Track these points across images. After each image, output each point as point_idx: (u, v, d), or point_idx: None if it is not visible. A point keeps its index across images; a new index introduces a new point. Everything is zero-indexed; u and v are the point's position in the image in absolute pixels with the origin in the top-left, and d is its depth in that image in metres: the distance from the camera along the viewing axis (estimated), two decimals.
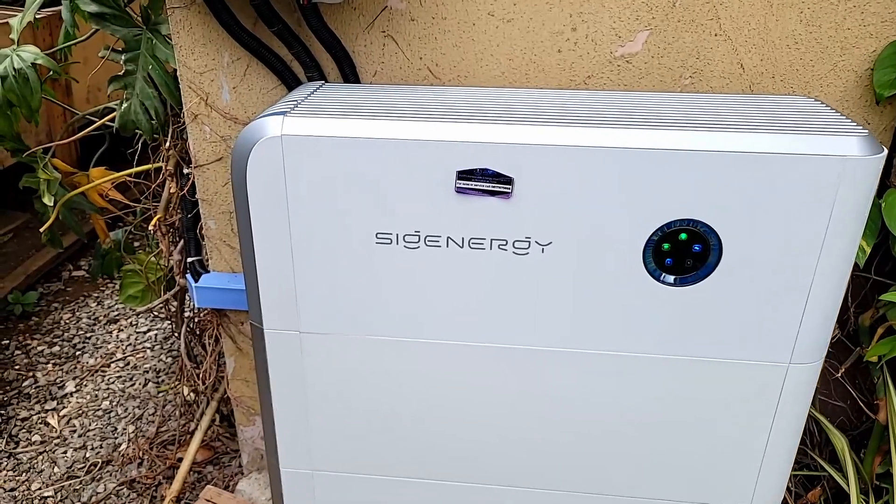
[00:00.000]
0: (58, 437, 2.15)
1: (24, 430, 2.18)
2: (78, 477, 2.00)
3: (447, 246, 1.08)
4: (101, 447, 2.10)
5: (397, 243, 1.09)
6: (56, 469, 2.03)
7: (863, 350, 1.46)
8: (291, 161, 1.05)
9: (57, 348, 2.59)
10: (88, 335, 2.67)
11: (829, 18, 1.22)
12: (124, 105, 1.53)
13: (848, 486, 1.48)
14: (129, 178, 1.90)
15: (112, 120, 1.86)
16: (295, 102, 1.13)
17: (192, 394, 2.08)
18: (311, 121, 1.05)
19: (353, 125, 1.04)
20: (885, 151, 0.99)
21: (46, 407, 2.28)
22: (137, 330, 2.68)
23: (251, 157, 1.05)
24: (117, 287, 2.95)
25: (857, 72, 1.26)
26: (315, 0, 1.22)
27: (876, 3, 1.20)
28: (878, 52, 1.24)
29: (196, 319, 1.89)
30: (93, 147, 2.22)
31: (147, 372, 2.44)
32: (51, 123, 3.22)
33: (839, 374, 1.51)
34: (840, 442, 1.52)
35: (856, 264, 1.20)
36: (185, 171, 1.56)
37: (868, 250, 1.29)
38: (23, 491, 1.95)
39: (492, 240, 1.07)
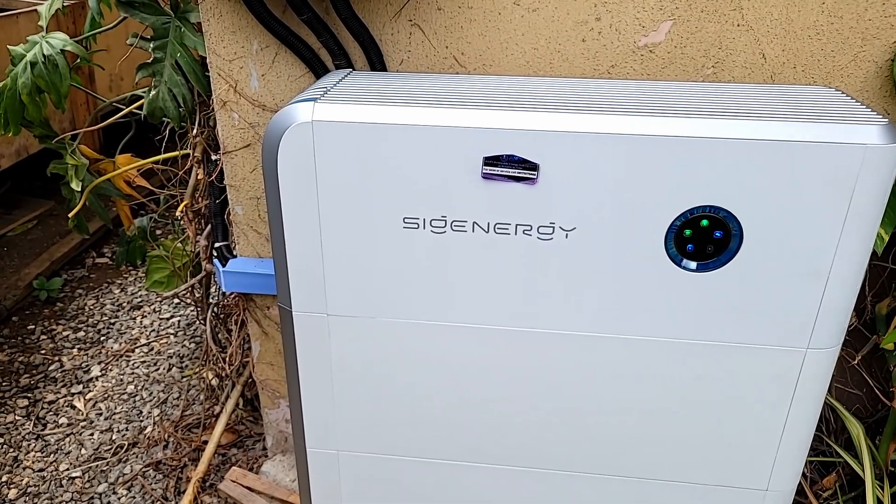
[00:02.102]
0: (84, 420, 2.20)
1: (51, 413, 2.23)
2: (105, 458, 2.05)
3: (473, 231, 1.10)
4: (127, 430, 2.15)
5: (424, 228, 1.11)
6: (83, 450, 2.08)
7: (879, 338, 1.47)
8: (321, 146, 1.08)
9: (82, 333, 2.64)
10: (112, 321, 2.72)
11: (850, 9, 1.23)
12: (152, 92, 1.57)
13: (863, 472, 1.50)
14: (154, 165, 1.94)
15: (139, 107, 1.89)
16: (324, 89, 1.15)
17: (216, 378, 2.12)
18: (341, 107, 1.08)
19: (382, 112, 1.06)
20: None
21: (73, 390, 2.34)
22: (161, 316, 2.73)
23: (282, 143, 1.08)
24: (140, 274, 3.00)
25: (877, 62, 1.27)
26: None
27: None
28: None
29: (221, 304, 1.92)
30: (116, 134, 2.26)
31: (171, 357, 2.48)
32: (74, 111, 3.27)
33: (855, 362, 1.53)
34: (856, 429, 1.53)
35: (874, 253, 1.22)
36: (213, 157, 1.60)
37: (886, 238, 1.30)
38: (51, 471, 2.00)
39: (517, 225, 1.09)
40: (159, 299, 2.84)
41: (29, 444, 2.10)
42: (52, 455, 2.06)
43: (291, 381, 1.29)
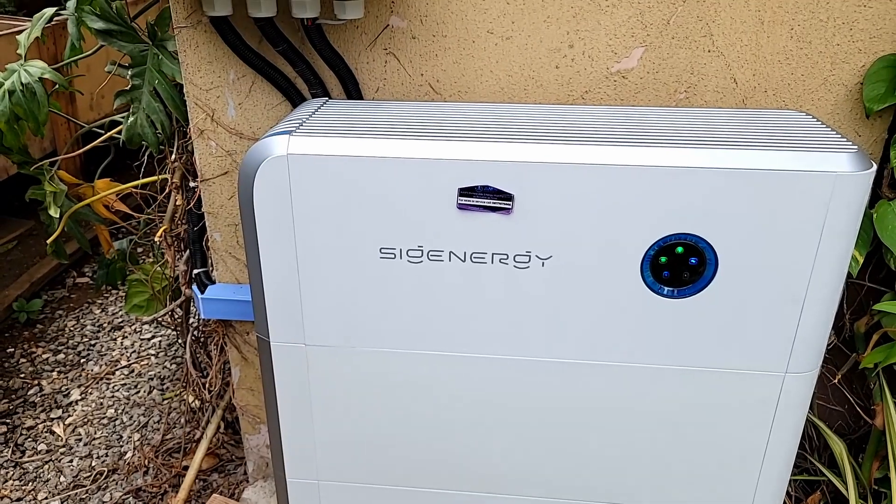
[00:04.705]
0: (63, 446, 2.18)
1: (29, 439, 2.20)
2: (84, 486, 2.02)
3: (450, 260, 1.10)
4: (107, 455, 2.13)
5: (401, 258, 1.11)
6: (62, 478, 2.05)
7: (859, 356, 1.48)
8: (297, 179, 1.08)
9: (62, 356, 2.62)
10: (93, 342, 2.69)
11: (818, 35, 1.25)
12: (131, 119, 1.56)
13: (847, 490, 1.50)
14: (133, 190, 1.93)
15: (118, 132, 1.88)
16: (300, 121, 1.15)
17: (197, 401, 2.10)
18: (317, 140, 1.08)
19: (357, 144, 1.06)
20: (875, 167, 1.01)
21: (52, 415, 2.31)
22: (142, 337, 2.71)
23: (258, 176, 1.08)
24: (122, 294, 2.97)
25: (847, 86, 1.29)
26: (319, 21, 1.25)
27: (864, 20, 1.23)
28: (866, 67, 1.27)
29: (201, 329, 1.91)
30: (96, 156, 2.24)
31: (152, 379, 2.46)
32: (55, 131, 3.25)
33: (836, 380, 1.54)
34: (838, 447, 1.54)
35: (850, 272, 1.23)
36: (191, 184, 1.59)
37: (861, 260, 1.31)
38: (29, 500, 1.98)
39: (493, 254, 1.09)
40: (140, 319, 2.81)
41: (7, 472, 2.07)
42: (30, 483, 2.04)
43: (270, 411, 1.28)
